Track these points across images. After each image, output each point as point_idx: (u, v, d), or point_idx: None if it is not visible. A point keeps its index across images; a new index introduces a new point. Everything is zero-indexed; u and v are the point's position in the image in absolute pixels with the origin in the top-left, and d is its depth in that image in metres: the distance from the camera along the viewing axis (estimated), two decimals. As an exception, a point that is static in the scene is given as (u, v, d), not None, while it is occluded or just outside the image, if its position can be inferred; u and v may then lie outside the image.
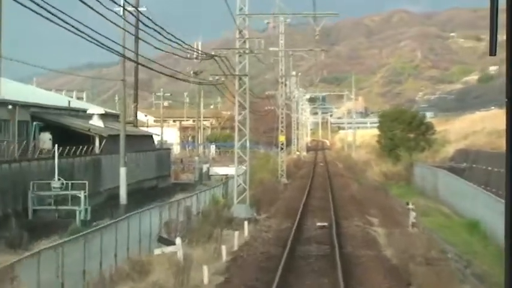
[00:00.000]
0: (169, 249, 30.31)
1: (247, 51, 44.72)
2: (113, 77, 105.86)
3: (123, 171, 59.61)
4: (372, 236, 39.30)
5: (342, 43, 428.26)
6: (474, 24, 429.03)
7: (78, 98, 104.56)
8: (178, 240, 30.36)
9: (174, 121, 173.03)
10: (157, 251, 30.60)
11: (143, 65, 76.13)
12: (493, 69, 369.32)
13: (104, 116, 76.48)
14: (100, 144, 69.72)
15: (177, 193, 78.02)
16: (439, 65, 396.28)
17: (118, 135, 64.28)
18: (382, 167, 76.40)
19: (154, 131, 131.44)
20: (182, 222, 38.08)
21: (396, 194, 62.88)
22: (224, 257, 31.86)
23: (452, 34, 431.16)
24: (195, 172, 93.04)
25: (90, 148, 68.32)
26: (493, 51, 5.69)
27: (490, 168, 56.61)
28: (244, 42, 45.14)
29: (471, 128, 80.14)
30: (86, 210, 53.56)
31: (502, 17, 5.75)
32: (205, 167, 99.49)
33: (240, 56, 45.21)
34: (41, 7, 21.47)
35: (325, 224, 42.09)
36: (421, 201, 57.57)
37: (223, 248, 32.30)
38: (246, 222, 40.92)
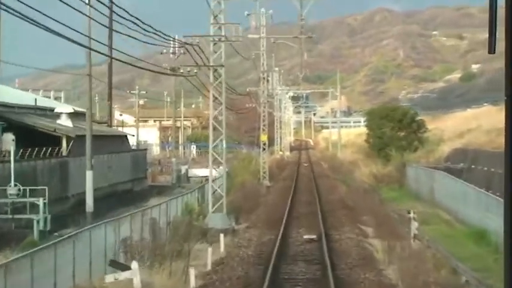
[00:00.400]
0: (123, 275, 24.25)
1: (222, 39, 38.71)
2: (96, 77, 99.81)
3: (89, 175, 53.83)
4: (369, 251, 33.32)
5: (324, 42, 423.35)
6: (456, 22, 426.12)
7: (55, 98, 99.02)
8: (134, 264, 24.29)
9: (154, 121, 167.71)
10: (109, 278, 24.49)
11: (116, 59, 70.03)
12: (475, 67, 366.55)
13: (73, 115, 70.39)
14: (67, 145, 63.70)
15: (153, 196, 72.36)
16: (421, 64, 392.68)
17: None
18: (372, 167, 70.38)
19: (134, 131, 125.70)
20: (146, 237, 31.99)
21: (388, 198, 56.97)
22: (193, 282, 25.89)
23: (434, 32, 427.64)
24: (172, 174, 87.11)
25: (57, 150, 62.31)
26: (492, 49, 5.24)
27: (493, 169, 50.77)
28: (220, 28, 39.08)
29: (465, 126, 74.42)
30: (46, 219, 47.34)
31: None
32: (183, 168, 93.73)
33: (214, 44, 39.19)
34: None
35: (314, 236, 36.03)
36: (417, 206, 51.66)
37: (192, 271, 26.27)
38: (222, 235, 34.84)
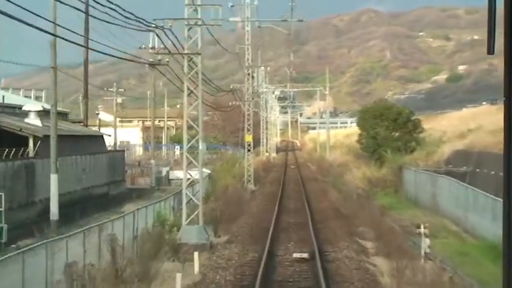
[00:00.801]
0: (60, 317, 18.30)
1: (199, 23, 32.72)
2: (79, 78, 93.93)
3: (54, 179, 48.02)
4: (372, 274, 27.28)
5: (311, 43, 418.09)
6: (442, 23, 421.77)
7: (37, 98, 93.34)
8: (74, 303, 18.34)
9: (138, 121, 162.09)
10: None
11: (92, 49, 64.29)
12: (461, 68, 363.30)
13: (44, 114, 64.34)
14: (35, 145, 57.63)
15: (130, 201, 66.72)
16: (408, 65, 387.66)
17: (58, 136, 53.75)
18: (365, 170, 64.20)
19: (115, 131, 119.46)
20: (103, 258, 25.98)
21: (385, 205, 50.81)
22: (153, 322, 19.95)
23: (421, 33, 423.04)
24: (151, 176, 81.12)
25: (22, 150, 56.31)
26: (491, 50, 4.94)
27: (501, 173, 44.75)
28: (196, 10, 33.07)
29: (464, 126, 68.50)
30: (1, 229, 41.39)
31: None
32: (164, 170, 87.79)
33: (190, 29, 33.17)
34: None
35: (305, 255, 29.97)
36: (418, 214, 45.85)
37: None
38: (196, 254, 28.77)
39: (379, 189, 58.93)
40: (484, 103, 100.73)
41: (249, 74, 68.42)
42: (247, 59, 68.16)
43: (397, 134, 67.31)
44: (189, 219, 34.21)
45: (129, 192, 75.06)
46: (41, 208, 54.46)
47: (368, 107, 74.89)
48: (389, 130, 67.00)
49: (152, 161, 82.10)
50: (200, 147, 34.78)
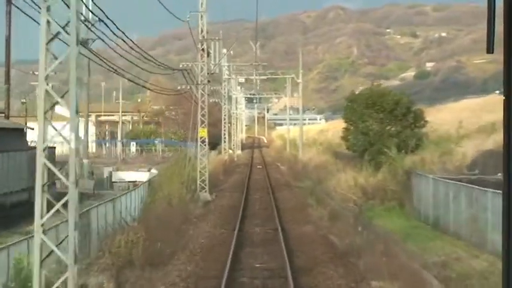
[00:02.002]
0: None
1: None
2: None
3: None
4: None
5: (278, 39, 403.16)
6: (410, 20, 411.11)
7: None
8: None
9: (96, 116, 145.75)
10: None
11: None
12: (429, 65, 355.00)
13: None
14: None
15: (57, 211, 49.20)
16: (375, 62, 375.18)
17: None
18: (355, 176, 46.78)
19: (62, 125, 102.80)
20: None
21: (393, 231, 33.47)
22: None
23: (388, 30, 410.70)
24: (83, 179, 63.25)
25: None
26: (490, 49, 4.71)
27: None
28: None
29: (477, 118, 51.86)
30: None
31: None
32: (106, 171, 70.41)
33: None
34: None
35: None
36: (456, 250, 28.52)
37: None
38: None
39: (377, 202, 41.55)
40: (497, 92, 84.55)
41: (203, 50, 50.73)
42: (201, 30, 50.59)
43: (393, 129, 50.20)
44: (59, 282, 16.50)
45: (57, 199, 57.48)
46: None
47: (357, 93, 57.34)
48: (384, 123, 49.89)
49: (85, 161, 64.10)
50: (72, 145, 17.28)
